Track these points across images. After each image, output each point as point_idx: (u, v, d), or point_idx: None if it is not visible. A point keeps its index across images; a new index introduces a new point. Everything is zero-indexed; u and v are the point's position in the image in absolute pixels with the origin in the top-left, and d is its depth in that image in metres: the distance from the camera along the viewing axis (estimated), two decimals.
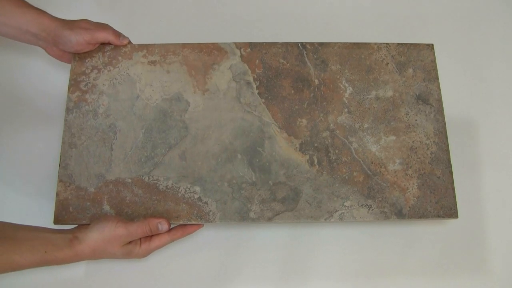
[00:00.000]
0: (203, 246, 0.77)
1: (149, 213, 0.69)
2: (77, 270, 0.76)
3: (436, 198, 0.70)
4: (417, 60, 0.76)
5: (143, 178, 0.71)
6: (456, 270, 0.77)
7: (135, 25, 0.91)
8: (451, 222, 0.79)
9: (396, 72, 0.76)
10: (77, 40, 0.73)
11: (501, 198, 0.81)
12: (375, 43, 0.77)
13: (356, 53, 0.76)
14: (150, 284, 0.75)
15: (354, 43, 0.77)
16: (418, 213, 0.70)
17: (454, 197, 0.70)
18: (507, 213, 0.80)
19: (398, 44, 0.77)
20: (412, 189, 0.71)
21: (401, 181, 0.71)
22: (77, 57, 0.76)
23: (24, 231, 0.65)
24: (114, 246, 0.66)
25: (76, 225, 0.69)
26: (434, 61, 0.77)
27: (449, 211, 0.70)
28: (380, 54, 0.76)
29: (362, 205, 0.70)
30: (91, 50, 0.76)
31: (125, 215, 0.69)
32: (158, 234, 0.69)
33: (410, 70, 0.76)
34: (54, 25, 0.72)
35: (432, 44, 0.77)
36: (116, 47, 0.76)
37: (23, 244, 0.63)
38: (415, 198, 0.70)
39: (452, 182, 0.71)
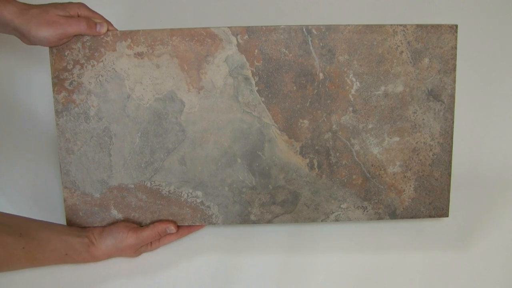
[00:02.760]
0: (203, 245, 0.79)
1: (155, 217, 0.73)
2: (77, 269, 0.77)
3: (430, 199, 0.72)
4: (435, 47, 0.68)
5: (145, 183, 0.72)
6: (455, 269, 0.79)
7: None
8: (450, 221, 0.79)
9: (410, 62, 0.68)
10: (46, 37, 0.64)
11: (501, 197, 0.81)
12: (391, 25, 0.67)
13: (367, 39, 0.67)
14: (150, 283, 0.77)
15: (367, 26, 0.67)
16: (411, 214, 0.73)
17: (448, 198, 0.72)
18: (506, 215, 0.81)
19: (417, 26, 0.67)
20: (408, 191, 0.72)
21: (399, 184, 0.72)
22: (54, 49, 0.67)
23: (46, 232, 0.70)
24: (127, 253, 0.73)
25: None
26: (454, 47, 0.68)
27: (441, 211, 0.73)
28: (395, 40, 0.67)
29: (358, 207, 0.73)
30: (66, 42, 0.67)
31: (133, 219, 0.73)
32: (166, 235, 0.74)
33: (426, 60, 0.68)
34: (17, 20, 0.63)
35: (456, 25, 0.67)
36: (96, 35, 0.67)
37: (46, 245, 0.69)
38: (409, 200, 0.72)
39: (449, 184, 0.72)
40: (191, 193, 0.72)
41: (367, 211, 0.73)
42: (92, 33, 0.67)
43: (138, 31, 0.67)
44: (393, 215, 0.73)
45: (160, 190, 0.72)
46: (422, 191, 0.72)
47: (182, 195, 0.72)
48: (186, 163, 0.71)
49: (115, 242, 0.71)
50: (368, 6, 0.78)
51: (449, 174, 0.72)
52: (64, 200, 0.72)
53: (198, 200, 0.72)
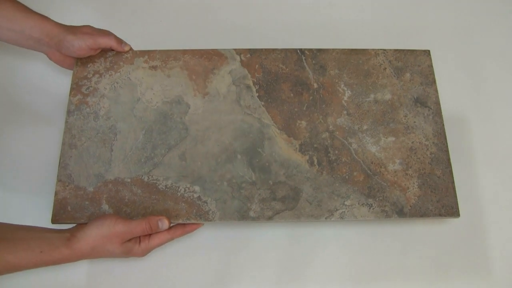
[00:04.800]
0: (203, 246, 0.76)
1: (148, 212, 0.68)
2: (77, 271, 0.74)
3: (437, 197, 0.70)
4: (414, 65, 0.78)
5: (143, 178, 0.70)
6: (456, 270, 0.76)
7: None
8: (450, 221, 0.78)
9: (394, 76, 0.77)
10: (80, 45, 0.74)
11: (500, 197, 0.80)
12: (373, 49, 0.79)
13: (353, 58, 0.78)
14: (150, 284, 0.74)
15: (352, 49, 0.78)
16: (420, 212, 0.69)
17: (455, 196, 0.70)
18: (507, 212, 0.79)
19: (395, 50, 0.79)
20: (413, 189, 0.70)
21: (402, 181, 0.71)
22: (79, 62, 0.77)
23: (20, 231, 0.64)
24: (113, 244, 0.65)
25: (74, 225, 0.68)
26: (431, 65, 0.78)
27: (451, 210, 0.69)
28: (378, 59, 0.78)
29: (362, 204, 0.69)
30: (93, 55, 0.77)
31: (123, 214, 0.68)
32: (157, 232, 0.68)
33: (408, 75, 0.77)
34: (56, 30, 0.74)
35: (429, 50, 0.79)
36: (118, 53, 0.78)
37: (18, 244, 0.61)
38: (416, 197, 0.70)
39: (453, 182, 0.71)
40: (188, 188, 0.69)
41: (373, 208, 0.69)
42: (118, 48, 0.77)
43: (155, 50, 0.78)
44: (401, 213, 0.68)
45: (157, 184, 0.69)
46: (427, 188, 0.70)
47: (179, 190, 0.69)
48: (186, 159, 0.71)
49: (101, 231, 0.64)
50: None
51: (451, 172, 0.71)
52: (55, 194, 0.69)
53: (195, 195, 0.69)
